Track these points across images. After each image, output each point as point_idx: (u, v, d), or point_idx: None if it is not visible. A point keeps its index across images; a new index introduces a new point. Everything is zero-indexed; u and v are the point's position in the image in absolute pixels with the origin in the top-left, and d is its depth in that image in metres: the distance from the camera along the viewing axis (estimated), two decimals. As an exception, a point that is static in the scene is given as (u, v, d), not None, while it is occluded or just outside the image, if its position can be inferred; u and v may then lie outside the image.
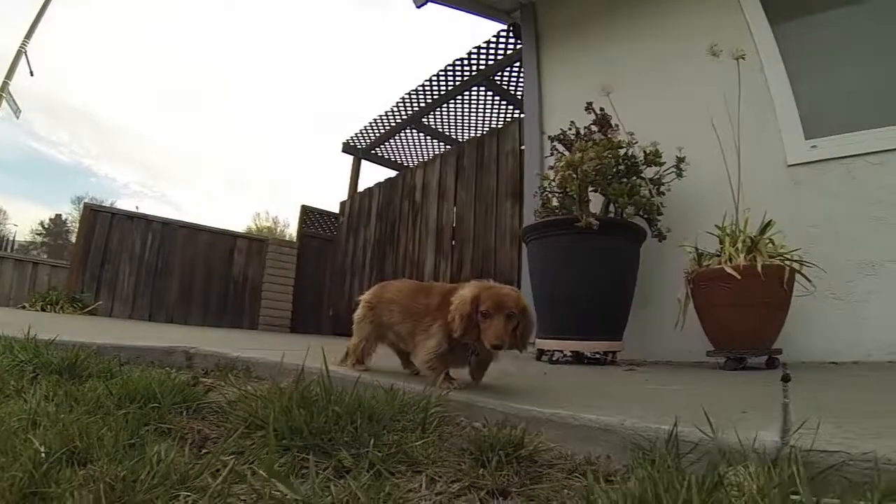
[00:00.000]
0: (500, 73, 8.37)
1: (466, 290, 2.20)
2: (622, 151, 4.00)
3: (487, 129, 9.75)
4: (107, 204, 35.52)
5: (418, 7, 6.56)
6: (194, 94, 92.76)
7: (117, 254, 8.92)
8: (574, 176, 3.77)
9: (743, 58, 3.77)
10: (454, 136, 10.46)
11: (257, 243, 10.50)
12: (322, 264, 10.57)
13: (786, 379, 2.41)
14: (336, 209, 10.69)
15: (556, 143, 4.30)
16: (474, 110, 9.58)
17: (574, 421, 1.49)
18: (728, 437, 1.18)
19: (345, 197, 10.56)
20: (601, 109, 4.20)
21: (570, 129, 4.26)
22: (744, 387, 2.48)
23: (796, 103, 4.27)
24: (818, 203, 4.03)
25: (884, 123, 3.93)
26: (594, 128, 4.15)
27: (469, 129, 10.20)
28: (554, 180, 4.04)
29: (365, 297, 2.75)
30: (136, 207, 34.76)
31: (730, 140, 4.04)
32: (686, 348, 3.86)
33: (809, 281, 3.37)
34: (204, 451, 1.33)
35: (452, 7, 6.52)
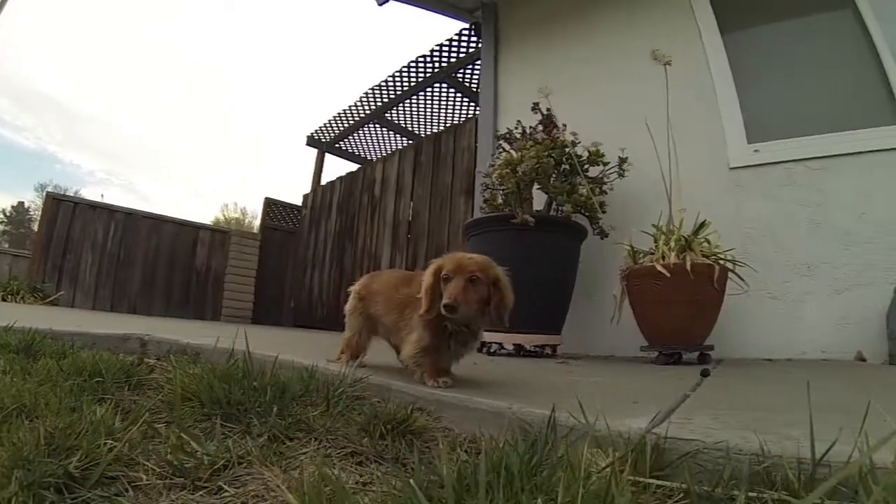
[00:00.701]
0: (462, 71, 8.54)
1: (434, 264, 2.07)
2: (568, 151, 4.17)
3: (449, 125, 9.91)
4: (71, 192, 34.88)
5: (380, 5, 6.66)
6: (163, 83, 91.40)
7: (79, 243, 8.84)
8: (511, 174, 3.94)
9: (669, 64, 3.93)
10: (417, 132, 10.59)
11: (220, 235, 10.51)
12: (284, 256, 10.66)
13: (705, 374, 2.58)
14: (300, 202, 10.79)
15: (501, 141, 4.46)
16: (437, 106, 9.73)
17: (470, 404, 1.62)
18: (603, 424, 1.27)
19: (308, 190, 10.64)
20: (548, 110, 4.36)
21: (516, 128, 4.43)
22: (661, 381, 2.55)
23: (741, 109, 4.48)
24: (759, 205, 4.24)
25: (825, 131, 4.17)
26: (539, 127, 4.30)
27: (432, 125, 10.36)
28: (494, 178, 4.19)
29: (355, 288, 2.66)
30: (101, 196, 34.14)
31: (673, 142, 4.22)
32: (625, 343, 4.02)
33: (742, 280, 3.54)
34: (139, 420, 1.50)
35: (415, 5, 6.60)
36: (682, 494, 0.98)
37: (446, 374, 2.05)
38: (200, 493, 1.06)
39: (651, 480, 1.02)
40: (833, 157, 4.07)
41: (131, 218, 9.48)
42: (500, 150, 4.48)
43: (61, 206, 8.89)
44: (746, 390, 2.28)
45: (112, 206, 9.41)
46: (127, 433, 1.22)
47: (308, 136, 11.08)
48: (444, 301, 1.86)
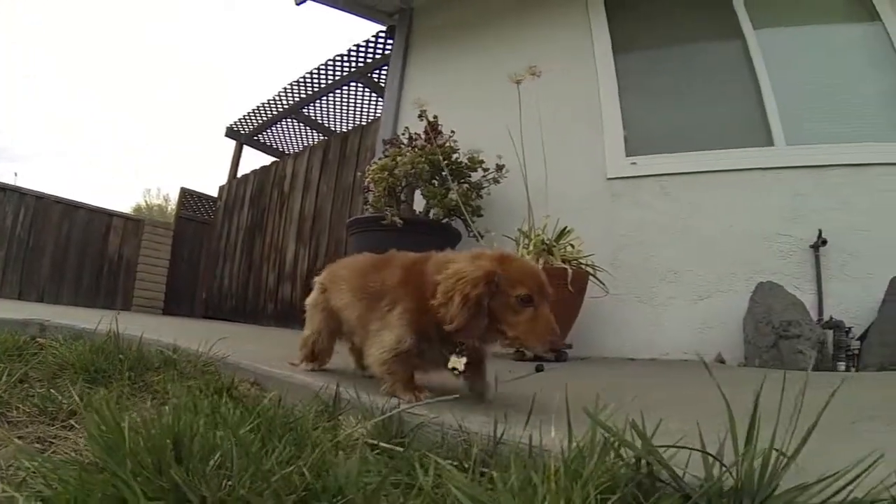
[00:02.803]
0: (377, 71, 8.83)
1: (468, 262, 1.71)
2: (454, 157, 4.60)
3: (364, 123, 10.18)
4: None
5: (297, 4, 6.85)
6: (91, 65, 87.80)
7: (-14, 228, 8.62)
8: (385, 178, 4.36)
9: (538, 75, 4.31)
10: (333, 129, 10.78)
11: (133, 223, 10.46)
12: (198, 247, 10.73)
13: (539, 369, 2.93)
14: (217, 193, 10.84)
15: (388, 146, 4.84)
16: (352, 105, 9.98)
17: (293, 381, 2.01)
18: (368, 401, 1.61)
19: (225, 182, 10.70)
20: (434, 117, 4.77)
21: (403, 133, 4.84)
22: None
23: (624, 124, 4.90)
24: (632, 214, 4.65)
25: (701, 148, 4.66)
26: (423, 134, 4.68)
27: (347, 123, 10.59)
28: (367, 181, 4.59)
29: (319, 278, 2.35)
30: (15, 175, 32.58)
31: (554, 151, 4.60)
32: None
33: (603, 284, 3.93)
34: (23, 382, 1.87)
35: (333, 7, 6.75)
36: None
37: (423, 389, 1.77)
38: (56, 426, 1.46)
39: (377, 442, 1.35)
40: (705, 172, 4.55)
41: (42, 202, 9.29)
42: (386, 153, 4.82)
43: (-34, 189, 8.60)
44: (540, 383, 2.43)
45: (22, 188, 9.18)
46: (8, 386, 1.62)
47: (227, 128, 11.05)
48: (546, 340, 1.62)
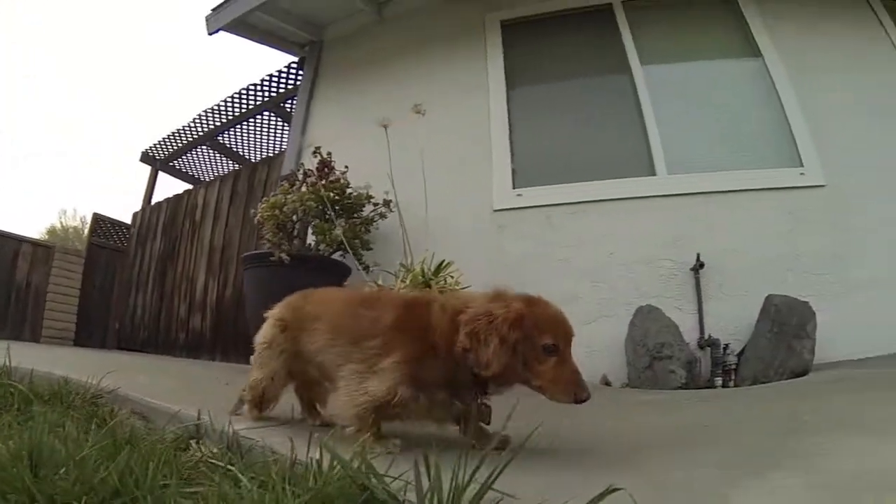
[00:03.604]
0: (290, 102, 8.78)
1: (494, 303, 1.63)
2: (348, 192, 4.68)
3: (276, 153, 10.09)
4: None
5: (210, 34, 6.82)
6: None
7: None
8: (274, 215, 4.40)
9: (423, 113, 4.45)
10: (248, 158, 10.71)
11: (43, 249, 10.05)
12: (111, 276, 10.37)
13: None
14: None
15: (283, 181, 4.89)
16: (265, 135, 9.97)
17: (166, 410, 2.12)
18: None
19: (139, 208, 10.36)
20: (328, 154, 4.85)
21: (298, 169, 4.89)
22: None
23: (513, 157, 5.07)
24: (517, 245, 4.79)
25: (583, 179, 4.85)
26: (315, 171, 4.74)
27: (260, 152, 10.53)
28: (257, 219, 4.63)
29: (275, 313, 2.11)
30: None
31: (445, 184, 4.76)
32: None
33: None
34: None
35: (245, 37, 6.71)
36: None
37: (391, 438, 1.67)
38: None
39: (215, 461, 1.48)
40: (588, 202, 4.74)
41: (-57, 226, 8.72)
42: (279, 190, 4.85)
43: None
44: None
45: (-79, 212, 8.75)
46: None
47: (142, 153, 10.77)
48: (577, 394, 1.56)
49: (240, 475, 1.28)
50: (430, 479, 1.05)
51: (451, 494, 1.02)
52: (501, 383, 1.66)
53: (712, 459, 1.59)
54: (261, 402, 2.03)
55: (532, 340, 1.59)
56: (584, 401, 1.55)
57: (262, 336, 2.07)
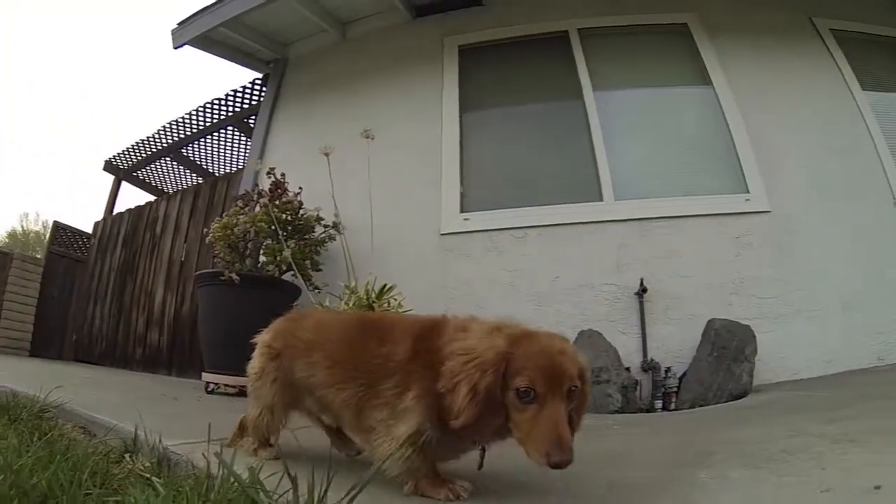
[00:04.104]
0: (253, 118, 8.63)
1: (482, 337, 1.44)
2: (300, 213, 4.75)
3: (238, 169, 10.04)
4: None
5: (175, 48, 6.84)
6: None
7: None
8: (224, 235, 4.46)
9: (372, 138, 4.54)
10: (211, 171, 10.64)
11: (1, 256, 9.78)
12: (70, 286, 10.19)
13: None
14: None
15: (238, 201, 4.95)
16: (228, 150, 9.94)
17: (107, 424, 2.22)
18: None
19: (101, 218, 10.18)
20: (282, 175, 4.92)
21: (253, 190, 4.93)
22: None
23: (463, 182, 5.17)
24: (463, 268, 4.90)
25: (532, 203, 4.99)
26: (268, 192, 4.81)
27: (224, 167, 10.47)
28: (208, 239, 4.69)
29: (264, 339, 1.96)
30: None
31: (395, 207, 4.90)
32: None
33: None
34: None
35: (212, 53, 6.72)
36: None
37: (454, 480, 1.51)
38: None
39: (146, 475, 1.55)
40: (534, 227, 4.87)
41: None
42: (237, 207, 4.92)
43: None
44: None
45: None
46: None
47: (105, 161, 10.61)
48: (553, 457, 1.25)
49: (158, 485, 1.36)
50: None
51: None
52: (477, 436, 1.45)
53: (595, 492, 1.65)
54: (267, 436, 1.88)
55: (508, 385, 1.35)
56: (560, 465, 1.25)
57: (252, 367, 1.94)
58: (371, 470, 1.37)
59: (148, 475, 1.57)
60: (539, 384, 1.31)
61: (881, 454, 1.73)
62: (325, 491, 1.20)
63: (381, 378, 1.52)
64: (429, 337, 1.52)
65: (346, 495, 1.17)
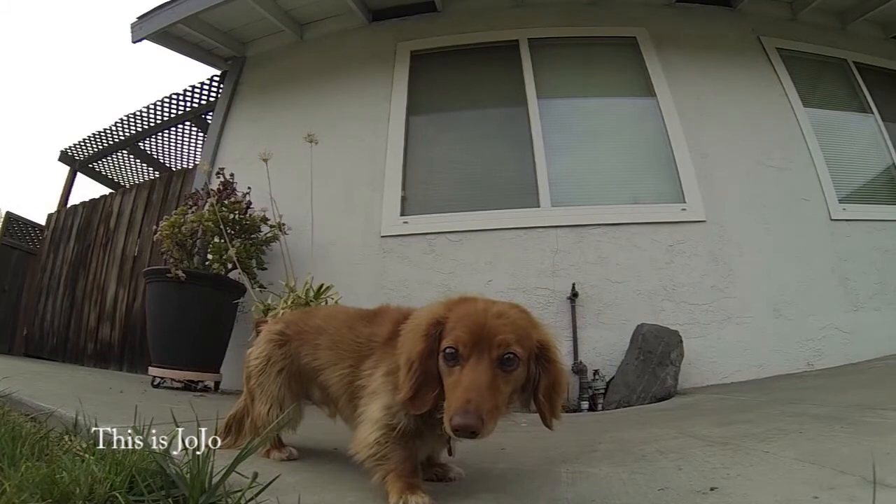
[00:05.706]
0: (210, 114, 8.56)
1: (426, 309, 1.44)
2: (249, 212, 4.85)
3: (193, 164, 9.98)
4: None
5: (134, 42, 6.80)
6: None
7: None
8: (172, 233, 4.56)
9: (315, 142, 4.69)
10: (168, 166, 10.56)
11: None
12: (20, 279, 10.06)
13: None
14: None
15: (188, 199, 5.04)
16: (185, 145, 9.92)
17: (53, 413, 2.29)
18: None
19: (54, 210, 10.03)
20: (231, 175, 5.03)
21: (203, 189, 5.01)
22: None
23: (405, 185, 5.29)
24: (401, 270, 5.02)
25: (471, 208, 5.15)
26: (215, 192, 4.89)
27: (180, 162, 10.42)
28: (156, 237, 4.79)
29: (271, 327, 1.87)
30: None
31: (338, 208, 5.03)
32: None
33: None
34: None
35: (171, 50, 6.68)
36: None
37: (420, 488, 1.31)
38: None
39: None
40: (471, 231, 5.01)
41: None
42: (186, 206, 5.00)
43: None
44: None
45: None
46: None
47: (61, 152, 10.43)
48: (458, 421, 1.13)
49: (85, 455, 1.53)
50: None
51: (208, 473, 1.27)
52: (417, 411, 1.32)
53: (466, 479, 1.73)
54: (279, 439, 1.81)
55: (444, 349, 1.28)
56: (461, 429, 1.14)
57: (254, 355, 1.82)
58: (256, 440, 1.54)
59: (83, 454, 1.66)
60: (462, 345, 1.24)
61: (744, 457, 1.84)
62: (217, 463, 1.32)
63: (364, 358, 1.51)
64: (407, 319, 1.47)
65: (233, 462, 1.31)
